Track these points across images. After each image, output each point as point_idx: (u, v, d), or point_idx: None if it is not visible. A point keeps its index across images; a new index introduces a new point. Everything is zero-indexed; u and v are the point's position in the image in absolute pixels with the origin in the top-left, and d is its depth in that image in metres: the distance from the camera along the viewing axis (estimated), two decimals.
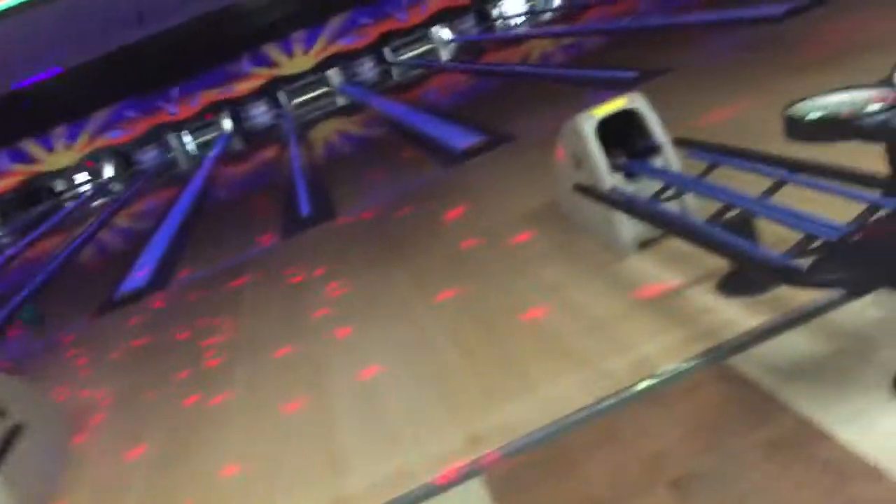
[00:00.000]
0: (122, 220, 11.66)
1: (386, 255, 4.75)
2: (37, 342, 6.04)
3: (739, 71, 5.61)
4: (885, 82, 1.77)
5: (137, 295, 6.18)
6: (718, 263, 2.68)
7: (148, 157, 18.06)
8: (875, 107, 1.68)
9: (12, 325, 6.86)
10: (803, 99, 1.82)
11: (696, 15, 8.60)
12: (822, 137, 1.76)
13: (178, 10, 14.31)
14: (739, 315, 2.55)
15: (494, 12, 18.35)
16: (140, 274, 6.82)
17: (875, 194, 2.19)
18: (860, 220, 2.14)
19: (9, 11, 6.59)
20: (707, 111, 4.83)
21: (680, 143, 3.35)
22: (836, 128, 1.70)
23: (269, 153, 12.70)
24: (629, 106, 3.32)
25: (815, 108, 1.76)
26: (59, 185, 18.08)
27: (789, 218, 2.37)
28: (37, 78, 15.41)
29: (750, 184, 2.72)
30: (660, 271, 3.09)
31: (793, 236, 2.27)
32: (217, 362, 4.14)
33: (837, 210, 2.26)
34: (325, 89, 17.87)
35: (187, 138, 18.13)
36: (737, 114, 4.58)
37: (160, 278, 6.47)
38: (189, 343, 4.60)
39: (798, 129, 1.75)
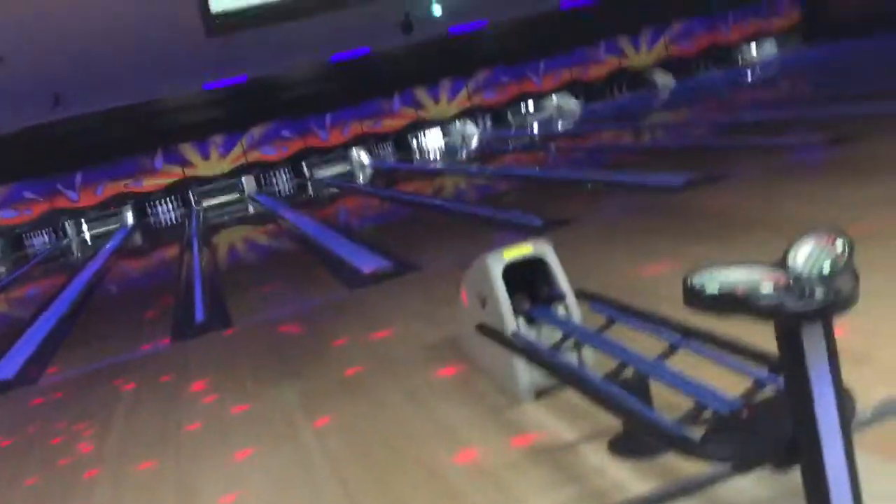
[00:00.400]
0: None
1: (275, 371, 4.56)
2: None
3: (638, 233, 5.89)
4: (780, 264, 1.86)
5: (0, 388, 5.68)
6: (613, 421, 2.68)
7: (39, 241, 17.23)
8: (768, 288, 1.75)
9: None
10: (703, 269, 1.88)
11: (601, 174, 9.11)
12: (718, 310, 1.81)
13: (98, 98, 14.11)
14: (629, 478, 2.53)
15: (414, 144, 18.99)
16: (7, 366, 6.30)
17: (763, 371, 2.27)
18: (747, 396, 2.19)
19: None
20: (607, 267, 5.01)
21: (582, 295, 3.43)
22: (732, 303, 1.75)
23: (169, 252, 12.32)
24: (536, 252, 3.40)
25: (713, 280, 1.82)
26: None
27: (682, 384, 2.42)
28: None
29: (647, 344, 2.79)
30: (554, 422, 3.06)
31: (684, 402, 2.30)
32: (74, 471, 3.77)
33: (730, 380, 2.32)
34: (237, 195, 17.77)
35: (85, 226, 17.48)
36: (635, 273, 4.77)
37: (29, 373, 5.99)
38: (47, 447, 4.20)
39: (696, 298, 1.80)
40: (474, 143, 18.20)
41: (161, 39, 8.22)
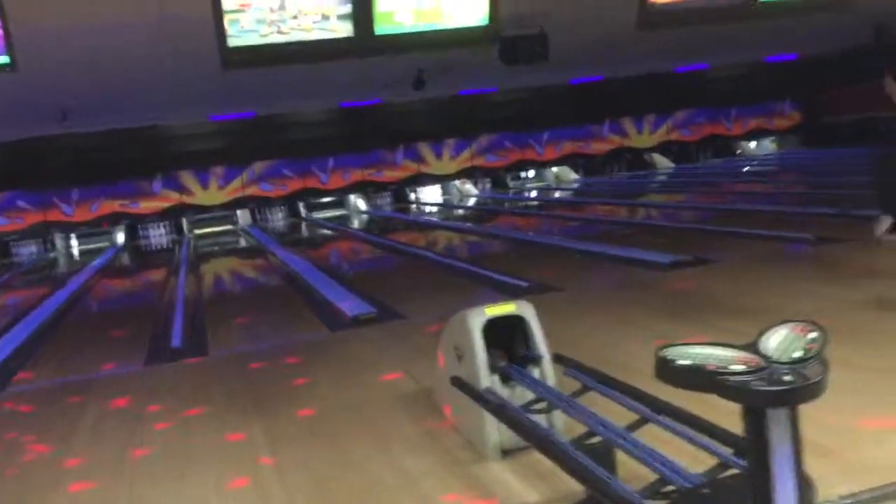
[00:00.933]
0: None
1: (242, 405, 4.52)
2: None
3: (620, 306, 5.94)
4: (751, 346, 1.89)
5: None
6: (577, 486, 2.67)
7: (27, 251, 17.14)
8: (738, 368, 1.78)
9: None
10: (676, 344, 1.91)
11: (592, 245, 9.20)
12: (687, 385, 1.83)
13: (105, 117, 14.23)
14: None
15: (412, 196, 19.16)
16: None
17: (730, 452, 2.28)
18: (710, 475, 2.20)
19: None
20: (585, 336, 5.04)
21: (559, 359, 3.45)
22: (701, 379, 1.78)
23: (156, 276, 12.28)
24: (518, 312, 3.43)
25: (685, 355, 1.85)
26: None
27: (648, 457, 2.42)
28: None
29: (618, 414, 2.80)
30: (518, 483, 3.04)
31: (649, 474, 2.31)
32: (16, 483, 3.70)
33: (696, 458, 2.33)
34: (230, 227, 17.81)
35: (75, 241, 17.42)
36: (612, 344, 4.79)
37: None
38: None
39: (667, 371, 1.83)
40: (471, 202, 18.38)
41: (174, 67, 8.37)
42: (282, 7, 5.05)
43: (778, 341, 1.91)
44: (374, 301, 7.06)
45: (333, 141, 18.03)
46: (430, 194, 19.43)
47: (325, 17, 5.20)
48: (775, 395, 1.73)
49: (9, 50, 5.72)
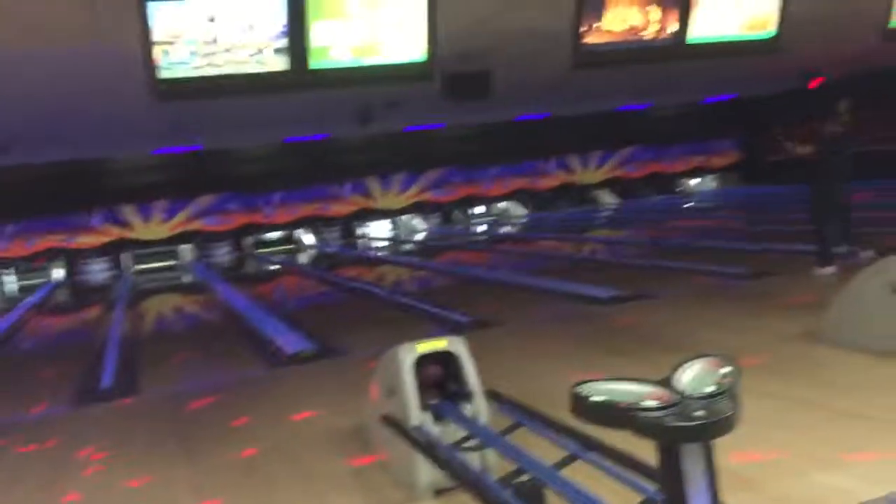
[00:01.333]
0: None
1: (171, 446, 4.37)
2: None
3: (559, 341, 5.96)
4: (665, 382, 1.89)
5: None
6: None
7: None
8: (651, 404, 1.78)
9: None
10: (592, 380, 1.90)
11: (536, 279, 9.26)
12: (602, 421, 1.82)
13: (46, 149, 13.84)
14: None
15: (359, 231, 19.08)
16: None
17: (652, 487, 2.28)
18: None
19: None
20: (522, 371, 5.03)
21: (492, 395, 3.42)
22: (614, 415, 1.77)
23: (92, 313, 11.92)
24: (449, 348, 3.40)
25: (599, 391, 1.84)
26: None
27: (574, 495, 2.40)
28: None
29: (550, 451, 2.78)
30: None
31: None
32: None
33: (621, 494, 2.31)
34: (173, 262, 17.45)
35: (10, 278, 16.85)
36: (548, 379, 4.78)
37: None
38: None
39: (581, 408, 1.82)
40: (419, 237, 18.38)
41: (112, 99, 8.22)
42: (214, 41, 5.02)
43: (692, 376, 1.91)
44: (316, 337, 6.96)
45: (280, 175, 17.90)
46: (379, 229, 19.39)
47: (260, 51, 5.19)
48: (687, 431, 1.73)
49: None
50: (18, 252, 16.87)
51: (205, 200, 17.96)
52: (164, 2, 5.57)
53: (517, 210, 19.93)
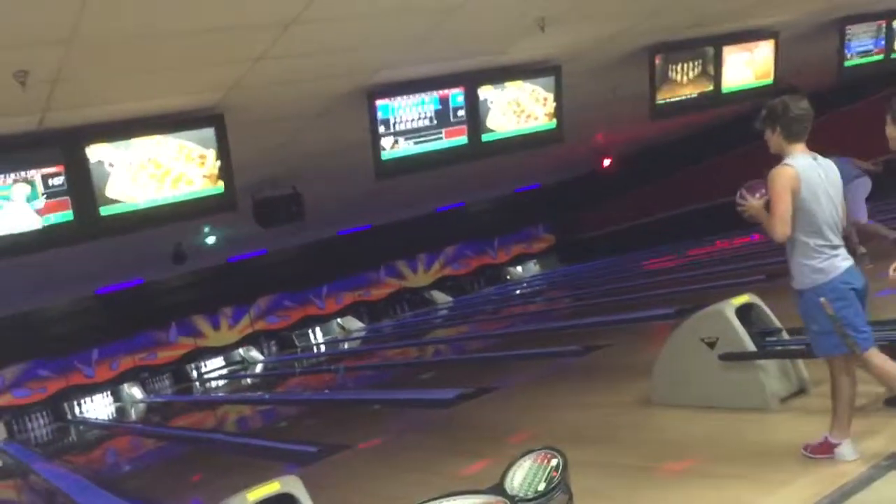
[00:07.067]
0: None
1: None
2: None
3: (409, 452, 5.84)
4: (496, 488, 1.83)
5: None
6: None
7: None
8: None
9: None
10: (426, 500, 1.81)
11: (384, 393, 9.11)
12: None
13: None
14: None
15: (193, 373, 18.02)
16: None
17: None
18: None
19: None
20: (378, 493, 4.83)
21: None
22: None
23: None
24: (285, 489, 3.17)
25: None
26: None
27: None
28: None
29: None
30: None
31: None
32: None
33: None
34: None
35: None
36: (393, 494, 4.63)
37: None
38: None
39: None
40: (258, 368, 17.65)
41: None
42: None
43: (522, 476, 1.87)
44: None
45: (95, 330, 16.64)
46: (213, 366, 18.41)
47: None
48: None
49: None
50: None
51: (12, 372, 16.27)
52: None
53: (354, 323, 19.75)
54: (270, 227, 8.66)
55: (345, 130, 6.91)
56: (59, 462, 11.32)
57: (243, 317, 18.71)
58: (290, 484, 3.17)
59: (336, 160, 8.30)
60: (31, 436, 15.85)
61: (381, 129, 6.08)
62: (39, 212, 4.99)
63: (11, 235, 4.94)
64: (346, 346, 17.97)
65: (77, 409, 16.76)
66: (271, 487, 3.12)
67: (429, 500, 1.84)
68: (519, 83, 6.67)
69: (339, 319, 19.84)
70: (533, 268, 22.00)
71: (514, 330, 12.05)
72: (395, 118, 6.12)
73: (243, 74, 5.12)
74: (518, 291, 18.92)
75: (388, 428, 7.20)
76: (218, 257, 15.39)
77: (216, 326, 18.40)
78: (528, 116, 6.82)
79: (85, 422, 15.96)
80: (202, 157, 5.52)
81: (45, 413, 16.49)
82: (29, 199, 4.96)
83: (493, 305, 17.37)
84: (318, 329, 19.71)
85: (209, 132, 5.50)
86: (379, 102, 6.02)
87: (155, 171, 5.38)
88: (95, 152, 5.10)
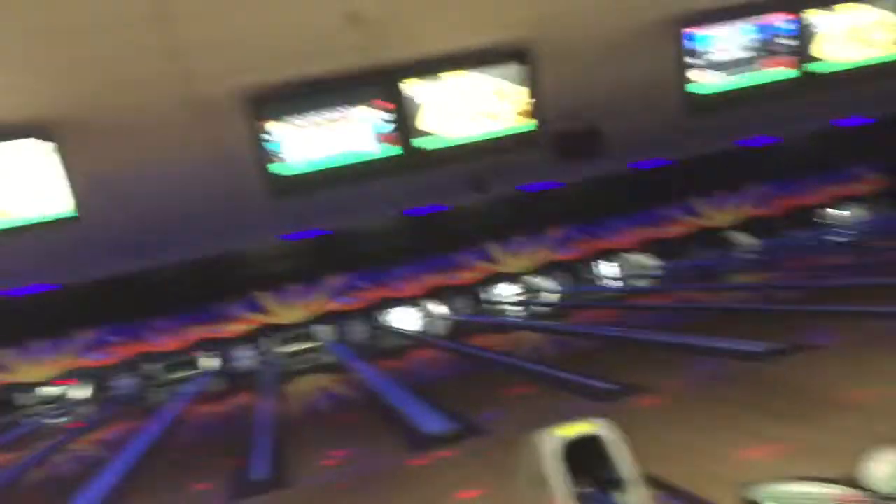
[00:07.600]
0: (78, 446, 11.12)
1: None
2: None
3: (716, 406, 5.57)
4: (854, 482, 1.67)
5: None
6: None
7: (124, 384, 17.66)
8: None
9: None
10: (763, 483, 1.71)
11: (679, 336, 8.81)
12: None
13: (177, 248, 14.82)
14: None
15: (485, 296, 19.03)
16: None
17: None
18: None
19: (22, 229, 6.84)
20: (678, 447, 4.71)
21: (651, 481, 3.19)
22: None
23: (243, 399, 12.41)
24: (596, 432, 3.21)
25: (775, 497, 1.64)
26: (21, 400, 17.34)
27: None
28: (30, 290, 15.58)
29: None
30: None
31: None
32: None
33: None
34: (311, 344, 18.01)
35: (165, 371, 17.89)
36: (711, 456, 4.44)
37: None
38: None
39: None
40: (551, 297, 18.11)
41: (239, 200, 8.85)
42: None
43: (886, 472, 1.68)
44: (455, 416, 6.87)
45: (403, 249, 18.31)
46: (507, 292, 19.26)
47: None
48: None
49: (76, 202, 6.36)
50: (171, 345, 17.91)
51: (334, 280, 18.52)
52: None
53: (646, 261, 19.32)
54: (570, 161, 8.67)
55: (650, 62, 6.61)
56: (373, 363, 12.73)
57: (535, 246, 19.22)
58: (603, 427, 3.20)
59: (637, 93, 8.02)
60: (351, 339, 18.01)
61: (691, 60, 5.72)
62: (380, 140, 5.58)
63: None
64: (636, 283, 17.69)
65: (386, 319, 18.66)
66: (584, 428, 3.17)
67: (764, 484, 1.73)
68: (857, 5, 5.82)
69: (630, 254, 19.55)
70: (857, 212, 19.65)
71: (830, 284, 10.86)
72: (706, 49, 5.71)
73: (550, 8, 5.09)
74: (836, 239, 17.03)
75: (687, 377, 6.99)
76: (509, 186, 15.88)
77: (511, 254, 19.15)
78: (869, 45, 5.96)
79: (394, 331, 17.72)
80: (514, 94, 5.66)
81: (361, 320, 18.59)
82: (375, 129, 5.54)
83: (806, 252, 15.87)
84: (609, 262, 19.63)
85: (518, 69, 5.60)
86: (690, 32, 5.65)
87: (468, 108, 5.66)
88: (413, 89, 5.50)
